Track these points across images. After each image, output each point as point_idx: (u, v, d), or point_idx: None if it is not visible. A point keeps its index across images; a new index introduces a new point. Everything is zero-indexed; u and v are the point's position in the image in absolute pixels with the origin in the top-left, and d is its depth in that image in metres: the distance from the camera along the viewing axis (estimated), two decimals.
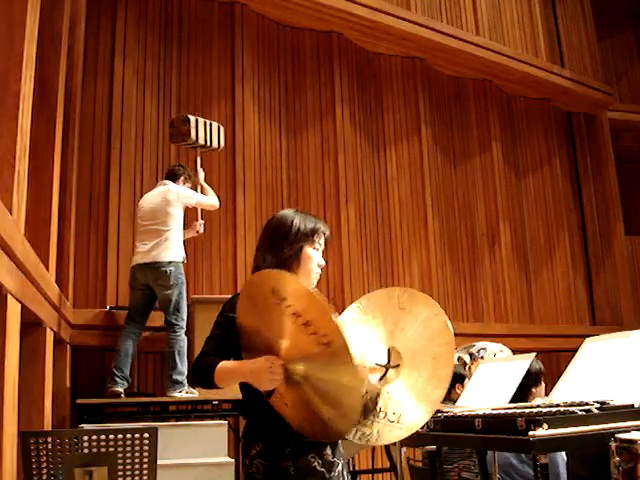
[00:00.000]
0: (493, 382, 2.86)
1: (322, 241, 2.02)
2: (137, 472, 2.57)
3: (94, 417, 4.36)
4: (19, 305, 2.59)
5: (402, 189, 7.18)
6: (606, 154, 9.16)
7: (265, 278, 1.76)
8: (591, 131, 9.29)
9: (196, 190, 5.07)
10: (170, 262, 4.63)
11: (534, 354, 2.79)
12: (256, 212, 6.08)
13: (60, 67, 3.98)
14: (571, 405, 2.03)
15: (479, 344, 4.11)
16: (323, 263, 2.02)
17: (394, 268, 6.93)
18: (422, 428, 1.96)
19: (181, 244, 4.78)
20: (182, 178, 4.99)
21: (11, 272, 2.42)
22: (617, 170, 9.20)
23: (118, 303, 5.26)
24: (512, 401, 2.58)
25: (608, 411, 1.97)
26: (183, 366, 4.53)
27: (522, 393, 2.86)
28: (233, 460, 4.12)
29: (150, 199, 4.86)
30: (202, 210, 5.10)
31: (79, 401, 4.40)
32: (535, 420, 1.86)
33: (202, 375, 1.82)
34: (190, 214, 5.08)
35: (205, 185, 5.17)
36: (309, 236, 1.97)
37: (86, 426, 3.80)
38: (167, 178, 4.99)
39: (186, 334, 4.66)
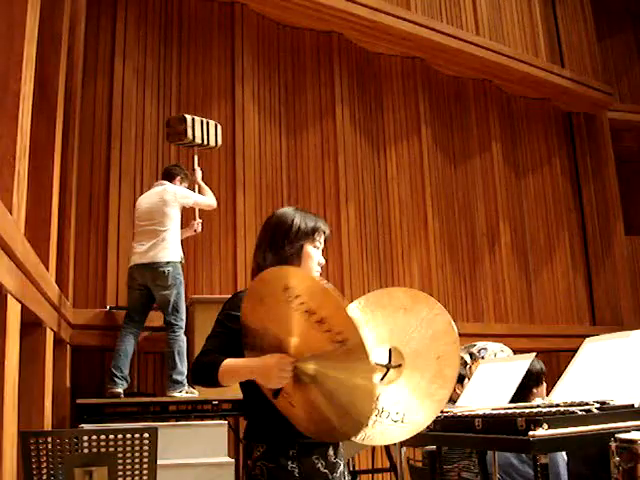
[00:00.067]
0: (493, 382, 2.86)
1: (322, 239, 2.00)
2: (137, 472, 2.57)
3: (94, 417, 4.36)
4: (19, 305, 2.59)
5: (402, 189, 7.18)
6: (606, 154, 9.16)
7: (277, 274, 1.71)
8: (591, 131, 9.29)
9: (194, 189, 5.06)
10: (168, 262, 4.63)
11: (534, 354, 2.79)
12: (256, 212, 6.08)
13: (60, 67, 3.98)
14: (571, 405, 2.03)
15: (480, 344, 4.10)
16: (323, 261, 2.00)
17: (394, 268, 6.93)
18: None
19: (179, 244, 4.77)
20: (179, 178, 4.98)
21: (11, 272, 2.42)
22: (617, 170, 9.20)
23: (118, 303, 5.26)
24: (513, 401, 2.58)
25: (608, 411, 1.97)
26: (183, 366, 4.53)
27: (523, 393, 2.85)
28: (233, 460, 4.12)
29: (147, 199, 4.85)
30: (200, 209, 5.10)
31: (79, 401, 4.40)
32: (535, 420, 1.86)
33: (205, 372, 1.78)
34: (187, 213, 5.08)
35: (203, 184, 5.16)
36: (310, 234, 1.95)
37: (86, 426, 3.80)
38: (164, 178, 4.99)
39: (185, 334, 4.66)
